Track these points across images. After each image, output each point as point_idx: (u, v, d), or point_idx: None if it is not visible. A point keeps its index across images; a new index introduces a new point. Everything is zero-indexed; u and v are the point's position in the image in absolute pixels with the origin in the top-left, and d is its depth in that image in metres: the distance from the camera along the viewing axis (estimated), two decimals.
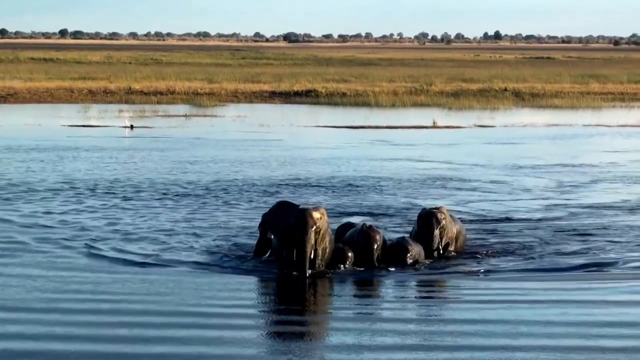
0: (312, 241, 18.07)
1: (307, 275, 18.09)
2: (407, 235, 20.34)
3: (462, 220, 23.41)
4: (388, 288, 18.30)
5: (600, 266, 19.47)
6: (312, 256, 18.17)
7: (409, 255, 19.14)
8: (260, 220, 19.87)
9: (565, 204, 27.13)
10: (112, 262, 19.53)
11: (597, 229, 23.47)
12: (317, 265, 18.36)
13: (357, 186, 30.08)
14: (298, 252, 18.13)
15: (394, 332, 14.97)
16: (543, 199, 28.23)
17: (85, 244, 21.08)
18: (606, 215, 25.55)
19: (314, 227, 18.02)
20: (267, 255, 19.63)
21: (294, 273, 18.24)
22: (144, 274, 18.58)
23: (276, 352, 14.11)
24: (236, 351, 14.03)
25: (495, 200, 27.94)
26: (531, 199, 28.15)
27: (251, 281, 18.54)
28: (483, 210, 26.19)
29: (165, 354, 13.84)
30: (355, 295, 18.00)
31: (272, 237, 19.32)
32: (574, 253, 20.66)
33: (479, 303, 16.81)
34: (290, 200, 20.54)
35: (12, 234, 22.20)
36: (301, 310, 17.06)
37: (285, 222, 18.47)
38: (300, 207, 18.76)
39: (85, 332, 14.72)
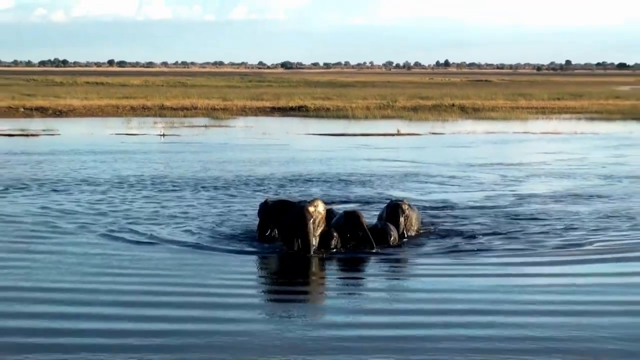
0: (312, 230, 17.69)
1: (310, 255, 17.60)
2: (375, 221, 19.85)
3: (431, 208, 23.42)
4: (376, 265, 17.66)
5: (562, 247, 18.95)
6: (314, 243, 17.78)
7: (391, 238, 18.78)
8: (258, 208, 19.43)
9: (512, 194, 26.72)
10: (143, 243, 18.93)
11: (540, 213, 23.02)
12: (314, 245, 17.88)
13: (345, 181, 29.61)
14: (302, 242, 17.69)
15: (380, 303, 14.49)
16: (493, 190, 27.77)
17: (128, 227, 20.63)
18: (544, 202, 25.20)
19: (311, 219, 17.66)
20: (267, 232, 19.09)
21: (296, 253, 17.74)
22: (163, 253, 18.00)
23: (275, 319, 13.45)
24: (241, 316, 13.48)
25: (456, 192, 27.45)
26: (484, 190, 27.65)
27: (255, 260, 17.92)
28: (448, 199, 25.67)
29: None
30: (345, 273, 17.26)
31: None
32: (529, 234, 20.17)
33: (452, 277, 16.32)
34: (287, 198, 19.85)
35: (63, 218, 21.83)
36: (298, 286, 16.37)
37: (286, 217, 18.02)
38: (299, 204, 18.21)
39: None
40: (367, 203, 24.69)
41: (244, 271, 16.80)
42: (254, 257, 18.06)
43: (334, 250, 18.29)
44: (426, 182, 29.70)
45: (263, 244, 18.92)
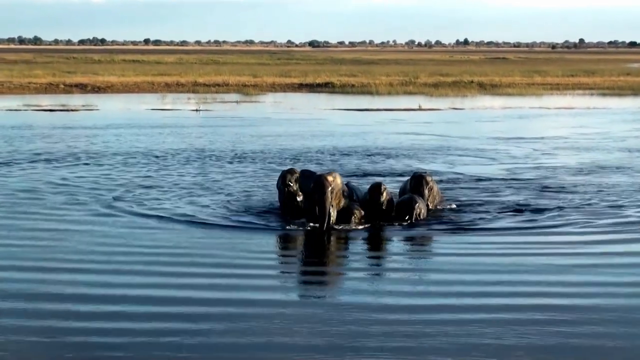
0: (330, 199, 16.75)
1: (325, 228, 16.69)
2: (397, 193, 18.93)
3: (462, 180, 22.74)
4: (394, 241, 16.54)
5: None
6: (330, 211, 16.89)
7: (417, 211, 17.54)
8: (277, 180, 18.51)
9: (546, 166, 25.88)
10: (178, 215, 18.08)
11: (573, 186, 22.03)
12: (332, 218, 16.99)
13: (378, 154, 28.84)
14: (319, 209, 16.72)
15: (401, 281, 13.35)
16: (522, 162, 26.91)
17: (164, 200, 19.91)
18: (573, 174, 24.38)
19: (330, 188, 16.74)
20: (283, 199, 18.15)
21: (312, 225, 16.88)
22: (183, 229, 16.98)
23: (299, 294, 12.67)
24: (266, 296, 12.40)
25: (485, 164, 26.58)
26: (514, 163, 26.79)
27: (279, 236, 16.79)
28: (479, 171, 24.79)
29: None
30: (367, 249, 16.26)
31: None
32: (561, 208, 18.90)
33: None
34: (310, 169, 18.80)
35: (108, 188, 21.46)
36: (320, 261, 15.35)
37: (307, 187, 17.29)
38: (318, 173, 17.48)
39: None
40: (402, 175, 23.63)
41: (269, 249, 15.82)
42: (285, 234, 17.01)
43: (359, 225, 17.27)
44: (458, 155, 28.96)
45: (291, 219, 17.80)
